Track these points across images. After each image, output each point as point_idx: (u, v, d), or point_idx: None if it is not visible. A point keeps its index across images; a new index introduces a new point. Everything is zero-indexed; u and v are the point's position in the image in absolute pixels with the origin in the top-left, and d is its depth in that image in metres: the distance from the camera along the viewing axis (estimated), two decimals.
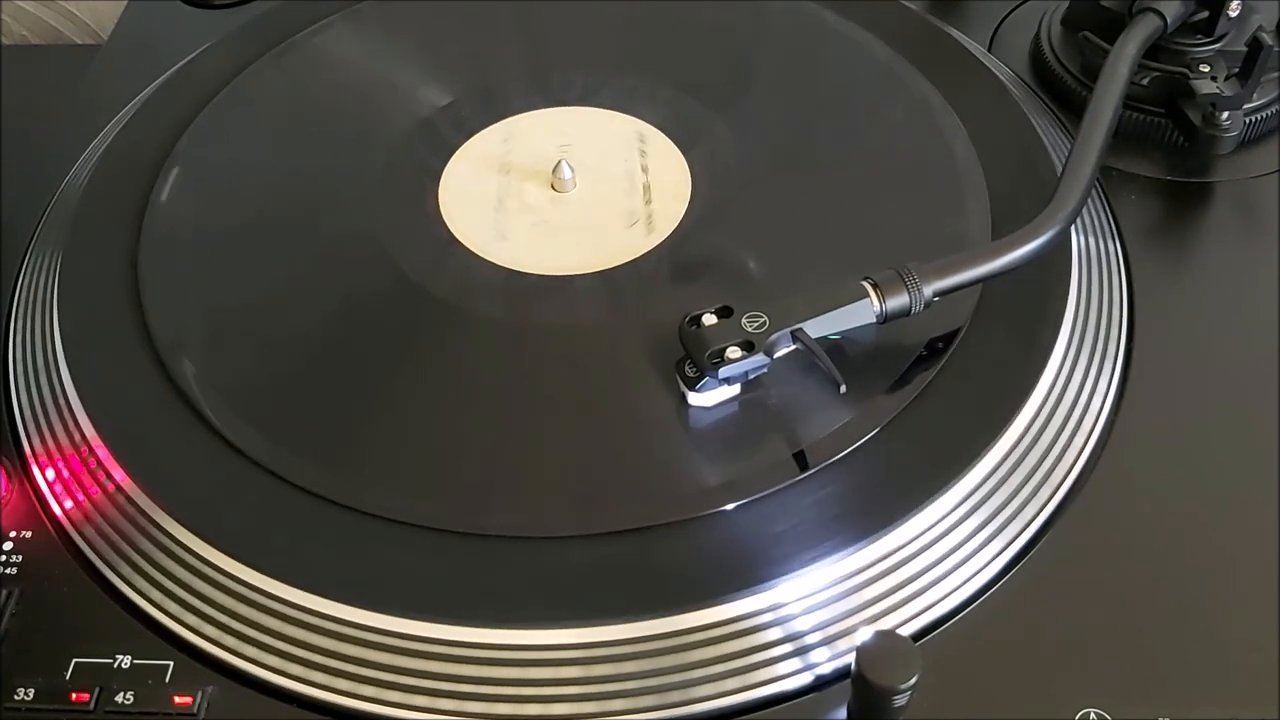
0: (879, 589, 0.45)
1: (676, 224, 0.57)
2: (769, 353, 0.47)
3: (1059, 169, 0.53)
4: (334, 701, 0.44)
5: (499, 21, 0.69)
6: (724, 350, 0.47)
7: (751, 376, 0.48)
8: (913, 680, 0.38)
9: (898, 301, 0.48)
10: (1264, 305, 0.54)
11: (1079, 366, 0.51)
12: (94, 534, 0.48)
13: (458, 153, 0.61)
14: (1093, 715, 0.42)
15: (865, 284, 0.48)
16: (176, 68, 0.68)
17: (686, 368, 0.48)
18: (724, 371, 0.47)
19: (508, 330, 0.53)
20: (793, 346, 0.48)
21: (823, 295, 0.48)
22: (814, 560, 0.44)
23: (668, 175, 0.59)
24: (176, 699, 0.44)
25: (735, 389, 0.49)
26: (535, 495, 0.47)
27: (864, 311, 0.48)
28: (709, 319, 0.48)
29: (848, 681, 0.40)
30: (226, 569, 0.46)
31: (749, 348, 0.47)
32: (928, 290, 0.48)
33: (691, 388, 0.48)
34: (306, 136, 0.63)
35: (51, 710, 0.44)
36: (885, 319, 0.48)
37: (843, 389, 0.47)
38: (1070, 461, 0.49)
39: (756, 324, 0.47)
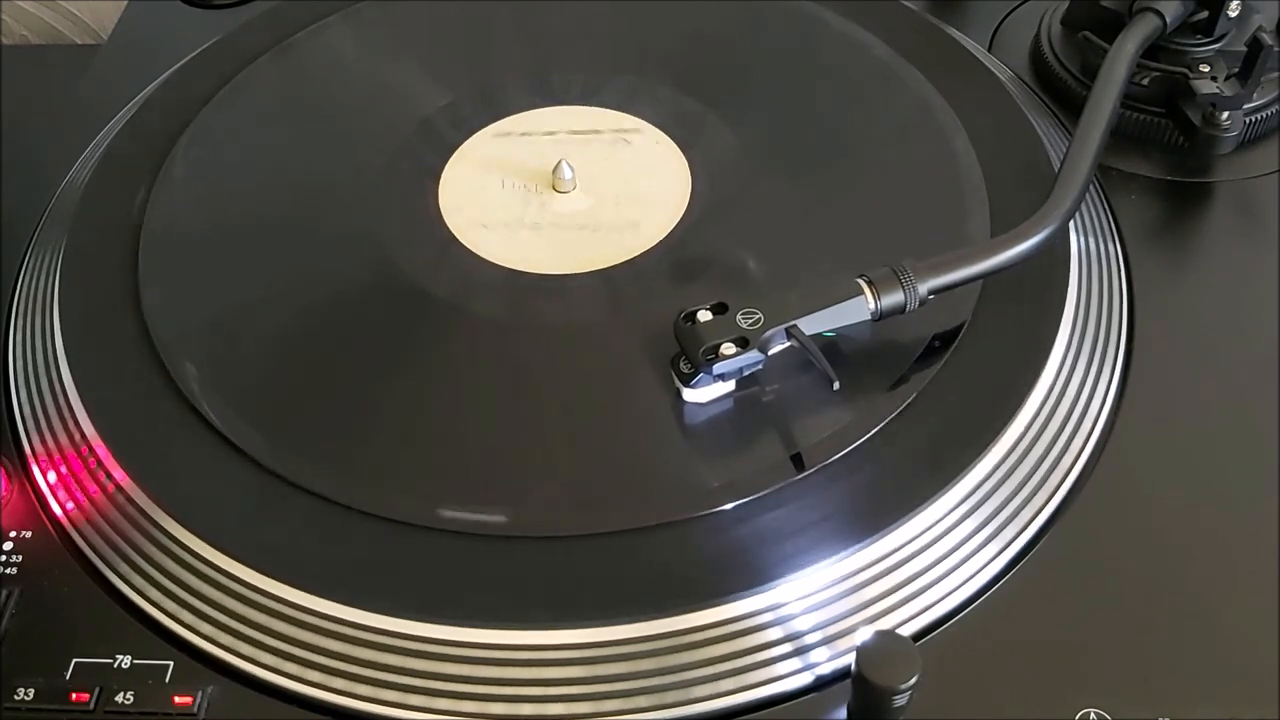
0: (879, 589, 0.45)
1: (675, 223, 0.57)
2: (763, 349, 0.47)
3: (1058, 169, 0.53)
4: (334, 701, 0.44)
5: (499, 21, 0.69)
6: (718, 346, 0.47)
7: (746, 373, 0.48)
8: (913, 680, 0.38)
9: (892, 299, 0.48)
10: (1264, 305, 0.54)
11: (1079, 366, 0.51)
12: (94, 534, 0.48)
13: (457, 152, 0.61)
14: (1093, 715, 0.42)
15: (860, 281, 0.48)
16: (176, 68, 0.68)
17: (681, 364, 0.48)
18: (718, 368, 0.47)
19: (507, 329, 0.53)
20: (787, 343, 0.48)
21: (817, 292, 0.48)
22: (814, 560, 0.44)
23: (667, 174, 0.59)
24: (176, 699, 0.44)
25: (730, 385, 0.49)
26: (535, 495, 0.47)
27: (858, 308, 0.48)
28: (704, 315, 0.48)
29: (848, 681, 0.40)
30: (226, 569, 0.46)
31: (743, 344, 0.47)
32: (923, 288, 0.48)
33: (686, 384, 0.48)
34: (306, 136, 0.63)
35: (51, 710, 0.44)
36: (880, 316, 0.48)
37: (836, 386, 0.47)
38: (1070, 461, 0.49)
39: (751, 320, 0.47)
